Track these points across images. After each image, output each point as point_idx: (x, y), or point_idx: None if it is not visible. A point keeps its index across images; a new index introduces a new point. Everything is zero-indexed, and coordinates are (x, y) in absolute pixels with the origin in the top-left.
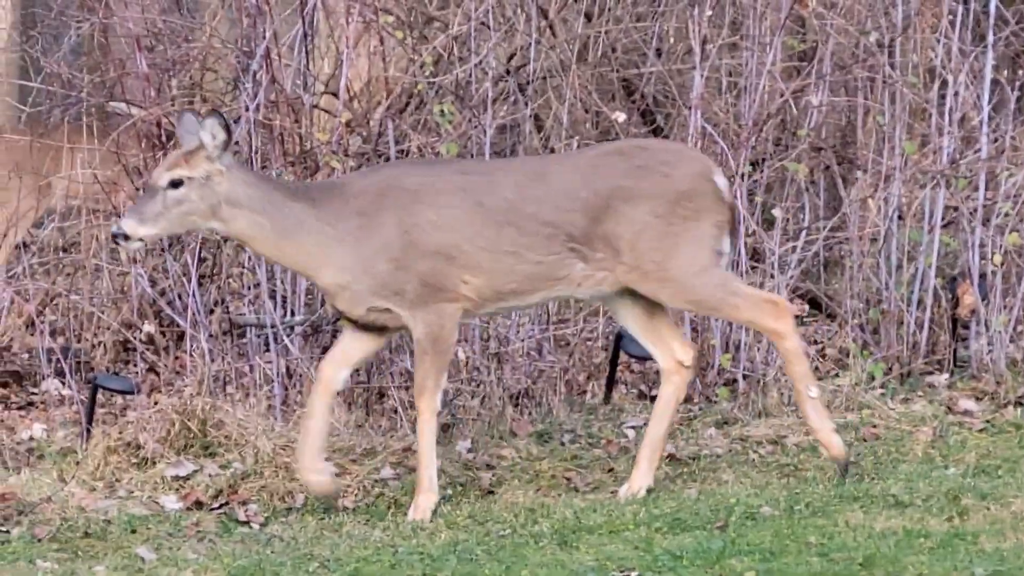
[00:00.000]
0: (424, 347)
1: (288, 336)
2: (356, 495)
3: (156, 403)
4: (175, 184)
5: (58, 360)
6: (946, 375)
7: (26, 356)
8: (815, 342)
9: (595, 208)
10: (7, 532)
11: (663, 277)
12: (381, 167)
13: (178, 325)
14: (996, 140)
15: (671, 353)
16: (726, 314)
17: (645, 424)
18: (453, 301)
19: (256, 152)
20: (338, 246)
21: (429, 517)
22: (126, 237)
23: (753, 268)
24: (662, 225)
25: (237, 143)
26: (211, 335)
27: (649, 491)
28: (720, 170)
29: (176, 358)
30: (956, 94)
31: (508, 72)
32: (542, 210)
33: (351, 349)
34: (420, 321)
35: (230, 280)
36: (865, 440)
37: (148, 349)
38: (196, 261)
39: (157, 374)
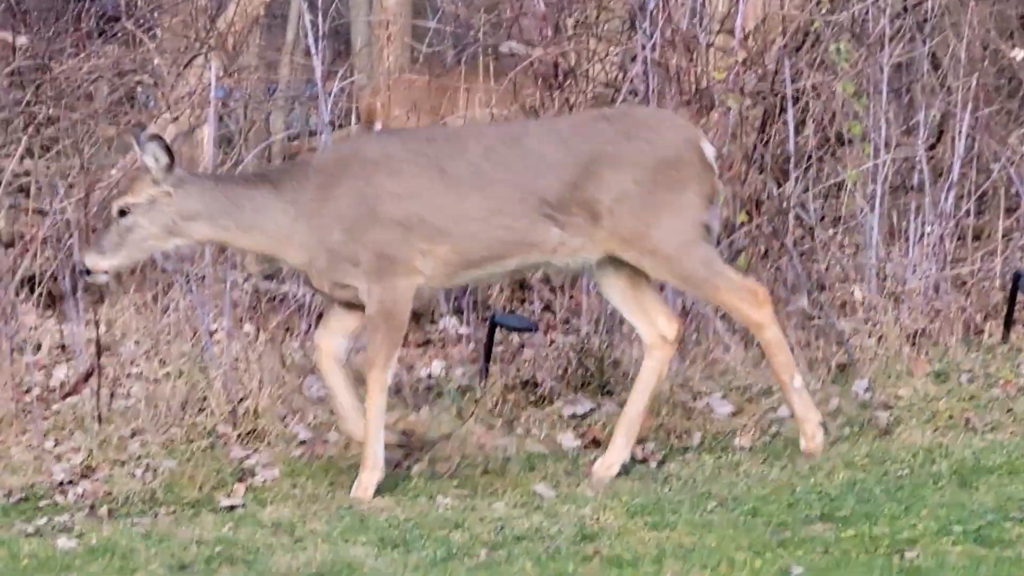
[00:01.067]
0: (376, 323)
1: None
2: (753, 434)
3: (552, 342)
4: (122, 213)
5: (456, 299)
6: None
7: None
8: None
9: (574, 173)
10: (408, 469)
11: (645, 247)
12: (345, 140)
13: None
14: None
15: (654, 327)
16: (706, 293)
17: None
18: (407, 275)
19: (652, 92)
20: (298, 223)
21: (371, 495)
22: (88, 272)
23: None
24: (644, 193)
25: (632, 81)
26: None
27: (624, 468)
28: (707, 139)
29: (571, 297)
30: None
31: (905, 9)
32: (512, 175)
33: (342, 321)
34: (374, 296)
35: None
36: None
37: (544, 288)
38: None
39: (553, 313)
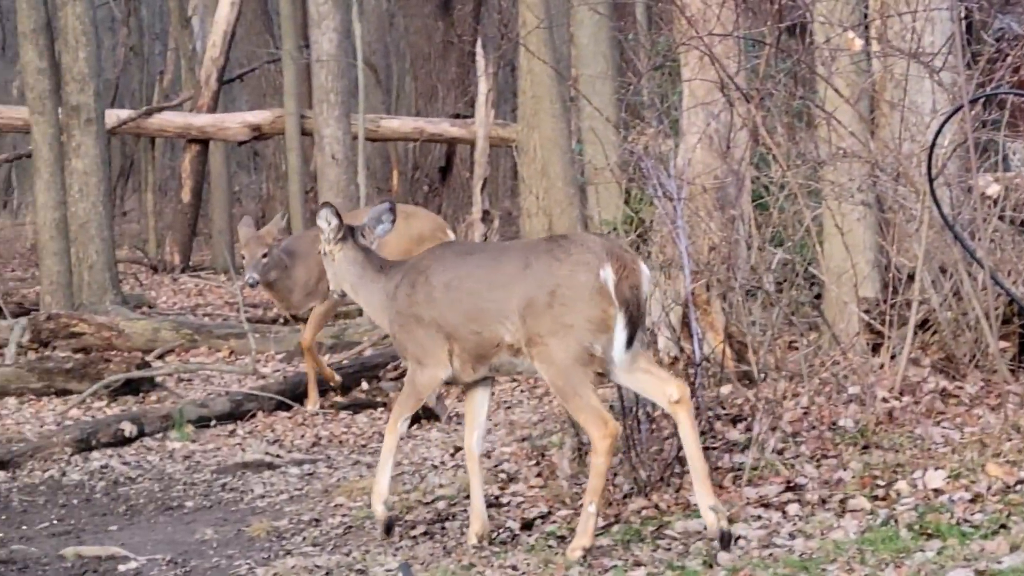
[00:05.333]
0: (406, 391)
1: None
2: None
3: None
4: (320, 254)
5: None
6: None
7: None
8: None
9: (514, 285)
10: None
11: (537, 352)
12: (430, 250)
13: None
14: None
15: (664, 396)
16: (568, 407)
17: None
18: (434, 367)
19: None
20: (385, 310)
21: (382, 513)
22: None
23: None
24: (544, 305)
25: None
26: None
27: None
28: (611, 267)
29: None
30: None
31: None
32: (479, 287)
33: (475, 415)
34: (409, 374)
35: None
36: None
37: None
38: None
39: None
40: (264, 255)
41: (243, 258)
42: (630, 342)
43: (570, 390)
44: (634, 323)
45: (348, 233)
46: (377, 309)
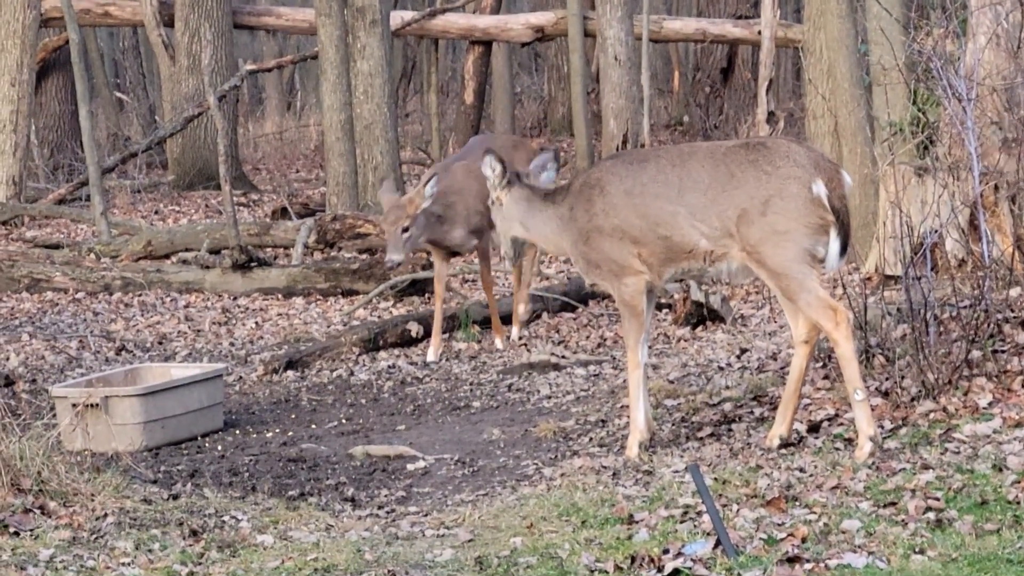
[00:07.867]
0: (623, 313)
1: None
2: None
3: None
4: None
5: None
6: None
7: None
8: None
9: (714, 191)
10: None
11: (757, 259)
12: (593, 166)
13: None
14: None
15: (797, 328)
16: (798, 306)
17: None
18: (634, 274)
19: None
20: (563, 232)
21: (636, 454)
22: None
23: None
24: (757, 215)
25: None
26: None
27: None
28: (822, 181)
29: None
30: None
31: None
32: (668, 192)
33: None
34: (616, 292)
35: None
36: None
37: None
38: None
39: None
40: (405, 229)
41: (381, 233)
42: (843, 250)
43: (796, 287)
44: (845, 231)
45: (515, 177)
46: (552, 236)
